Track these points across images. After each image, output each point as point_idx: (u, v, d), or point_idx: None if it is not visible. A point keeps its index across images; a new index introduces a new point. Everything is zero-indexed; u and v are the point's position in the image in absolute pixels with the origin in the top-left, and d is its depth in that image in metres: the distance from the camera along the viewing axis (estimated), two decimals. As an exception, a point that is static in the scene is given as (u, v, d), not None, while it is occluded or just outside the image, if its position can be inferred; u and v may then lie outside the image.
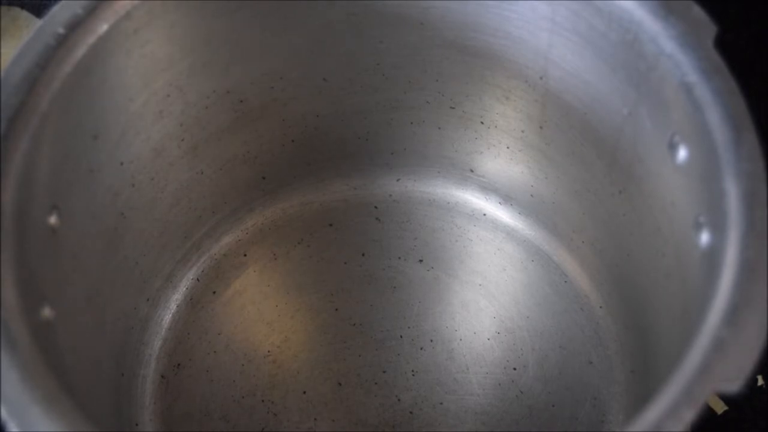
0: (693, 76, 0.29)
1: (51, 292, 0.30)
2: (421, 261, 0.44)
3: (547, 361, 0.40)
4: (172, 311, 0.42)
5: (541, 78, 0.37)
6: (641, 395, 0.36)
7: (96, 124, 0.33)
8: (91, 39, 0.31)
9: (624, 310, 0.40)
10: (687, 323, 0.28)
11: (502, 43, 0.37)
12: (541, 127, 0.40)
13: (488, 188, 0.45)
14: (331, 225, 0.45)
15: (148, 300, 0.41)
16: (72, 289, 0.33)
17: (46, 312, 0.29)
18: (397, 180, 0.46)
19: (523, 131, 0.41)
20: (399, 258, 0.44)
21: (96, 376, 0.35)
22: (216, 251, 0.44)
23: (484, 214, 0.45)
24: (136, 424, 0.39)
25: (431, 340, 0.41)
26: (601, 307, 0.42)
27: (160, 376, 0.41)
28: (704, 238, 0.28)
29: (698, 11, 0.30)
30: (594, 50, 0.34)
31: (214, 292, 0.43)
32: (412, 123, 0.43)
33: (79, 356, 0.32)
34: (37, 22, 0.41)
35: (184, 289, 0.43)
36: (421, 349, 0.41)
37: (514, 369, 0.40)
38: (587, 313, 0.42)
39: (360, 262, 0.44)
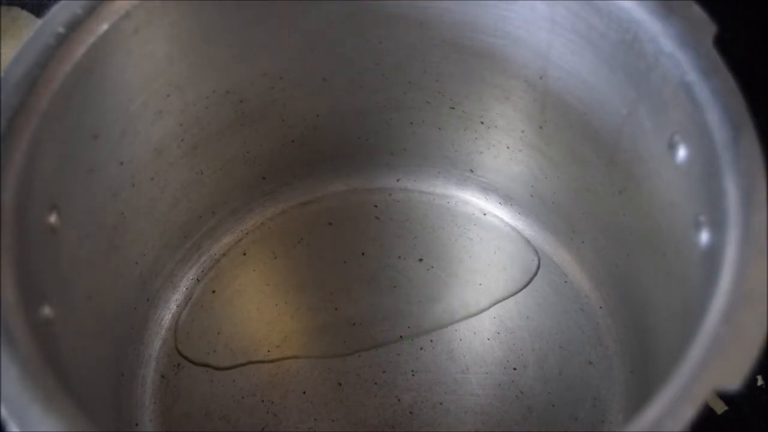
0: (692, 76, 0.29)
1: (51, 291, 0.30)
2: (420, 260, 0.44)
3: (547, 361, 0.40)
4: (172, 311, 0.42)
5: (540, 78, 0.37)
6: (641, 395, 0.36)
7: (96, 124, 0.33)
8: (91, 39, 0.31)
9: (624, 310, 0.40)
10: (687, 323, 0.28)
11: (501, 43, 0.37)
12: (540, 127, 0.40)
13: (488, 188, 0.45)
14: (330, 224, 0.45)
15: (148, 300, 0.41)
16: (72, 289, 0.33)
17: (46, 311, 0.29)
18: (397, 180, 0.46)
19: (522, 131, 0.41)
20: (399, 257, 0.44)
21: (96, 376, 0.35)
22: (216, 251, 0.44)
23: (484, 214, 0.45)
24: (136, 424, 0.39)
25: (431, 340, 0.41)
26: (601, 307, 0.42)
27: (160, 376, 0.41)
28: (704, 237, 0.28)
29: (698, 10, 0.30)
30: (593, 50, 0.34)
31: (214, 292, 0.43)
32: (412, 123, 0.43)
33: (79, 356, 0.32)
34: (37, 22, 0.41)
35: (184, 289, 0.43)
36: (421, 349, 0.41)
37: (514, 369, 0.40)
38: (587, 313, 0.42)
39: (360, 261, 0.44)
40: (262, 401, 0.40)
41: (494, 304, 0.42)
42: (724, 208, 0.27)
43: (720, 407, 0.41)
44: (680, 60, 0.29)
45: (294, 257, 0.44)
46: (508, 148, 0.42)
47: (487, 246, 0.44)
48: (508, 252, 0.44)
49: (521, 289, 0.42)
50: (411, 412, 0.39)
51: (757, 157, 0.27)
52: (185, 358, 0.41)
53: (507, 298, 0.42)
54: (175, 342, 0.41)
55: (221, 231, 0.44)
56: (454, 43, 0.38)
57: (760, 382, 0.42)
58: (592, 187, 0.39)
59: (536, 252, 0.43)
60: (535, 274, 0.43)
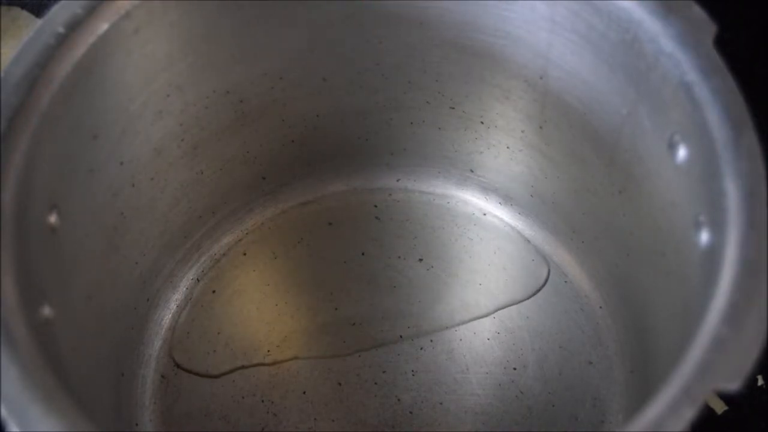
0: (692, 75, 0.29)
1: (51, 291, 0.30)
2: (420, 260, 0.44)
3: (547, 361, 0.40)
4: (172, 311, 0.42)
5: (540, 78, 0.37)
6: (641, 395, 0.36)
7: (96, 123, 0.33)
8: (91, 39, 0.31)
9: (624, 310, 0.40)
10: (687, 322, 0.28)
11: (501, 43, 0.37)
12: (540, 127, 0.40)
13: (488, 188, 0.45)
14: (330, 224, 0.45)
15: (148, 300, 0.41)
16: (72, 289, 0.33)
17: (46, 311, 0.29)
18: (397, 180, 0.46)
19: (522, 131, 0.41)
20: (399, 257, 0.44)
21: (96, 376, 0.35)
22: (216, 251, 0.44)
23: (484, 214, 0.45)
24: (136, 424, 0.39)
25: (431, 340, 0.41)
26: (601, 307, 0.42)
27: (160, 376, 0.41)
28: (704, 237, 0.28)
29: (698, 10, 0.30)
30: (593, 50, 0.34)
31: (214, 292, 0.43)
32: (412, 123, 0.43)
33: (79, 356, 0.32)
34: (37, 22, 0.41)
35: (184, 289, 0.43)
36: (421, 349, 0.41)
37: (514, 369, 0.40)
38: (587, 313, 0.42)
39: (360, 261, 0.44)
40: (262, 401, 0.40)
41: (498, 309, 0.42)
42: (724, 208, 0.27)
43: (720, 407, 0.41)
44: (680, 60, 0.29)
45: (294, 257, 0.44)
46: (508, 148, 0.42)
47: (487, 246, 0.44)
48: (508, 252, 0.44)
49: (530, 296, 0.42)
50: (411, 412, 0.39)
51: (757, 157, 0.27)
52: (179, 366, 0.41)
53: (512, 304, 0.42)
54: (171, 349, 0.41)
55: (221, 231, 0.44)
56: (454, 43, 0.38)
57: (760, 382, 0.42)
58: (592, 187, 0.39)
59: (546, 262, 0.43)
60: (544, 283, 0.43)
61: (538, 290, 0.42)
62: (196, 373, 0.40)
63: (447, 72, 0.40)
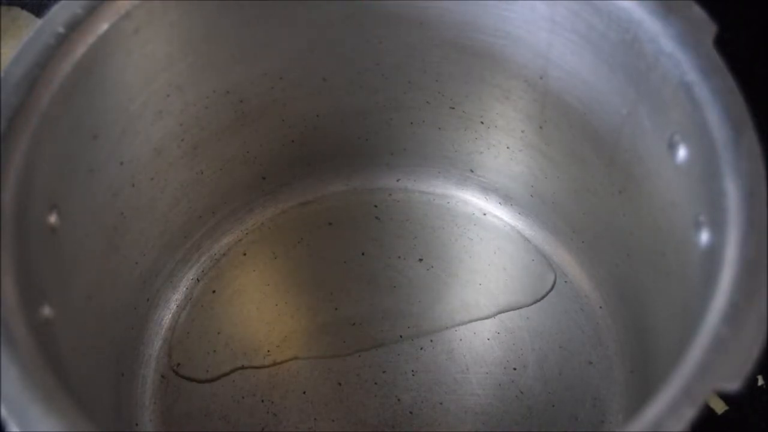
0: (692, 75, 0.29)
1: (51, 291, 0.30)
2: (420, 260, 0.44)
3: (547, 361, 0.40)
4: (172, 311, 0.42)
5: (540, 78, 0.37)
6: (641, 395, 0.36)
7: (96, 123, 0.33)
8: (91, 39, 0.31)
9: (624, 310, 0.40)
10: (687, 322, 0.28)
11: (501, 43, 0.37)
12: (540, 127, 0.40)
13: (488, 188, 0.45)
14: (330, 224, 0.45)
15: (148, 300, 0.41)
16: (72, 289, 0.33)
17: (46, 311, 0.29)
18: (397, 180, 0.46)
19: (522, 131, 0.41)
20: (399, 257, 0.44)
21: (96, 376, 0.35)
22: (216, 251, 0.44)
23: (484, 214, 0.45)
24: (136, 424, 0.39)
25: (431, 340, 0.41)
26: (601, 307, 0.42)
27: (160, 376, 0.41)
28: (704, 237, 0.28)
29: (698, 10, 0.30)
30: (593, 50, 0.34)
31: (214, 292, 0.43)
32: (412, 123, 0.43)
33: (79, 356, 0.32)
34: (37, 22, 0.41)
35: (184, 289, 0.43)
36: (421, 349, 0.41)
37: (514, 369, 0.40)
38: (587, 313, 0.42)
39: (360, 261, 0.44)
40: (262, 401, 0.40)
41: (500, 312, 0.42)
42: (724, 208, 0.27)
43: (720, 407, 0.41)
44: (680, 60, 0.29)
45: (294, 257, 0.44)
46: (508, 148, 0.42)
47: (487, 246, 0.44)
48: (508, 252, 0.44)
49: (535, 302, 0.42)
50: (411, 412, 0.39)
51: (757, 157, 0.27)
52: (179, 374, 0.40)
53: (515, 308, 0.42)
54: (170, 351, 0.41)
55: (221, 231, 0.44)
56: (454, 43, 0.38)
57: (760, 382, 0.42)
58: (592, 187, 0.39)
59: (553, 269, 0.43)
60: (551, 289, 0.43)
61: (543, 296, 0.42)
62: (195, 380, 0.40)
63: (447, 72, 0.40)
